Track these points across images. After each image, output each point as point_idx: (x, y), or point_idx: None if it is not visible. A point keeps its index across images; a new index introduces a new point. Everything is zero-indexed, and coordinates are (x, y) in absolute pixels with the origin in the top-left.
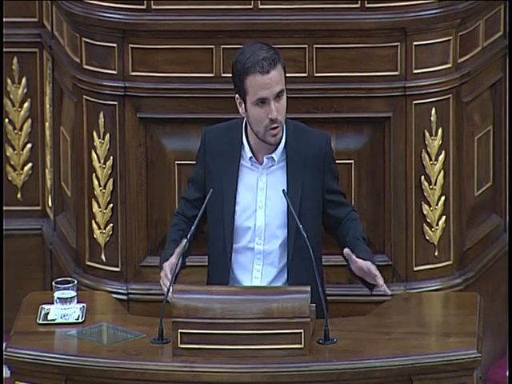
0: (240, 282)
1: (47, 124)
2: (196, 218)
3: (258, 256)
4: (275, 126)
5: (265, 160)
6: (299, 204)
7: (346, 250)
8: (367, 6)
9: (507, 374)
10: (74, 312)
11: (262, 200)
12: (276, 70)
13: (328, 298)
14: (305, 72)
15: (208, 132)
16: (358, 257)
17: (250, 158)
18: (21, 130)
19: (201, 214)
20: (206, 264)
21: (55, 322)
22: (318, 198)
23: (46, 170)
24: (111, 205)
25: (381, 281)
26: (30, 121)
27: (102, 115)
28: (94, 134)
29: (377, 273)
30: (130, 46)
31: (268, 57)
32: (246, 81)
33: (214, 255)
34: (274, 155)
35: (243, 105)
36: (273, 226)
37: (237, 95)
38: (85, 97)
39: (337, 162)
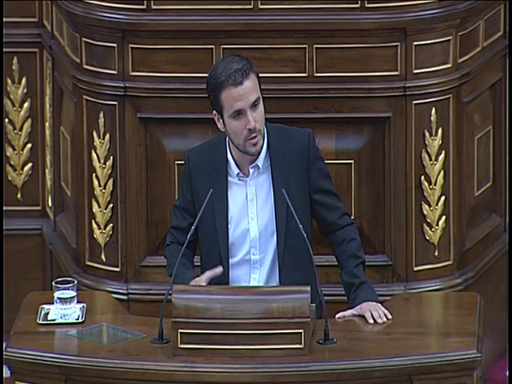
0: None
1: (47, 124)
2: (193, 223)
3: (255, 265)
4: (254, 135)
5: (250, 170)
6: (286, 204)
7: (338, 316)
8: (367, 6)
9: (507, 373)
10: (74, 312)
11: (253, 211)
12: (249, 80)
13: (328, 297)
14: (305, 72)
15: (191, 153)
16: (352, 306)
17: (238, 173)
18: (21, 130)
19: (199, 215)
20: None
21: (55, 322)
22: (305, 197)
23: (46, 170)
24: (111, 205)
25: (370, 320)
26: (29, 121)
27: (101, 115)
28: (94, 133)
29: (366, 314)
30: (130, 46)
31: (239, 68)
32: (220, 96)
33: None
34: (258, 163)
35: (221, 120)
36: (266, 234)
37: (214, 112)
38: (85, 97)
39: (337, 162)
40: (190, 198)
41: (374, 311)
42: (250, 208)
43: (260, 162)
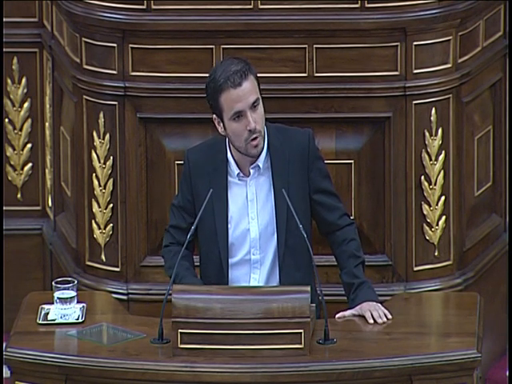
0: None
1: (47, 124)
2: (193, 223)
3: (256, 265)
4: (255, 136)
5: (251, 171)
6: (286, 204)
7: (338, 316)
8: (367, 6)
9: (507, 373)
10: (74, 312)
11: (253, 211)
12: (248, 81)
13: (328, 297)
14: (305, 72)
15: (191, 153)
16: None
17: (238, 173)
18: (21, 130)
19: (199, 216)
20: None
21: (55, 322)
22: (305, 197)
23: (46, 170)
24: (111, 205)
25: (370, 320)
26: (29, 121)
27: (102, 115)
28: (94, 133)
29: (366, 314)
30: (130, 46)
31: (238, 70)
32: (220, 98)
33: (208, 272)
34: (258, 163)
35: (221, 123)
36: (267, 234)
37: (214, 115)
38: (85, 97)
39: (337, 162)
40: (190, 197)
41: (374, 311)
42: (251, 208)
43: (260, 162)
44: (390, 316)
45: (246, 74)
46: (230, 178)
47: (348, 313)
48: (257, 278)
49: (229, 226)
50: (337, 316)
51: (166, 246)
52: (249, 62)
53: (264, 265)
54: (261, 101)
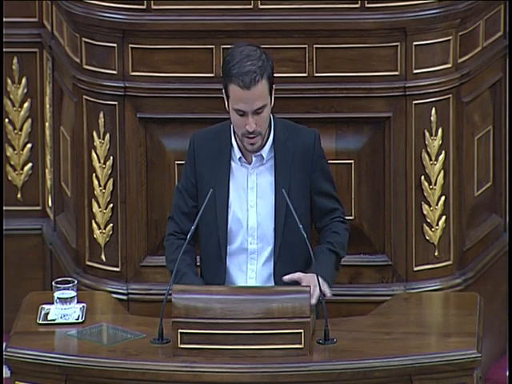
0: (235, 284)
1: (47, 124)
2: (195, 219)
3: (252, 256)
4: (252, 136)
5: (253, 159)
6: (286, 201)
7: (283, 279)
8: (367, 5)
9: (507, 374)
10: (74, 312)
11: (253, 199)
12: (258, 86)
13: (328, 297)
14: (305, 72)
15: (196, 136)
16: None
17: (240, 158)
18: (21, 130)
19: (201, 212)
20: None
21: (55, 322)
22: (306, 196)
23: (46, 170)
24: (111, 205)
25: (315, 296)
26: (30, 121)
27: (102, 115)
28: (94, 134)
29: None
30: (130, 46)
31: (252, 70)
32: (229, 86)
33: (207, 259)
34: (262, 153)
35: (227, 103)
36: (265, 225)
37: (223, 90)
38: (85, 97)
39: (337, 162)
40: (194, 180)
41: (314, 292)
42: (250, 196)
43: (264, 152)
44: (327, 296)
45: (259, 78)
46: (232, 163)
47: (296, 276)
48: (254, 269)
49: (229, 210)
50: (284, 278)
51: (170, 234)
52: (266, 60)
53: (261, 256)
54: (269, 104)
